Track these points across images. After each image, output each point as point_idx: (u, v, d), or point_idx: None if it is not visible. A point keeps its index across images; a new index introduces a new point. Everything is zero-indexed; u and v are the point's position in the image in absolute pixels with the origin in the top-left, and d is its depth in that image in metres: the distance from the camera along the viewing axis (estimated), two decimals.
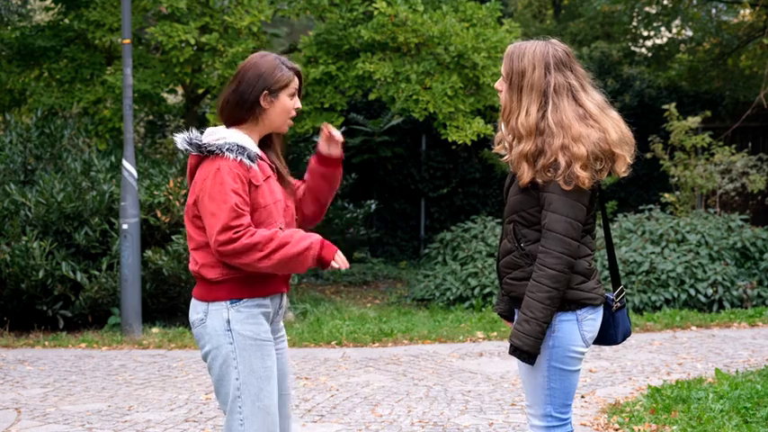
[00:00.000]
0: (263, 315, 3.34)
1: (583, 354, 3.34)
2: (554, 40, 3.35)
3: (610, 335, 3.45)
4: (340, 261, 3.25)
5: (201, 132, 3.36)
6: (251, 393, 3.28)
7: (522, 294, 3.31)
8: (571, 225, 3.19)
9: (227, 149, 3.23)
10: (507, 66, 3.32)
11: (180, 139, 3.31)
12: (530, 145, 3.23)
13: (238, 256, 3.18)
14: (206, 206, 3.22)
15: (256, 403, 3.28)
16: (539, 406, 3.35)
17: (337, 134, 3.50)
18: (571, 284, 3.26)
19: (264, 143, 3.44)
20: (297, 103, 3.40)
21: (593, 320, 3.33)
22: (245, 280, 3.29)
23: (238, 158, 3.22)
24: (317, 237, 3.24)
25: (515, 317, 3.37)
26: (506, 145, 3.36)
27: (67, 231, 8.99)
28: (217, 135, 3.30)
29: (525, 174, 3.23)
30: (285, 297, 3.48)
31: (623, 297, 3.46)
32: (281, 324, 3.55)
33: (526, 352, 3.22)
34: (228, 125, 3.36)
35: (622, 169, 3.27)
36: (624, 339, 3.51)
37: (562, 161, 3.17)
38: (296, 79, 3.40)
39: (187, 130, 3.40)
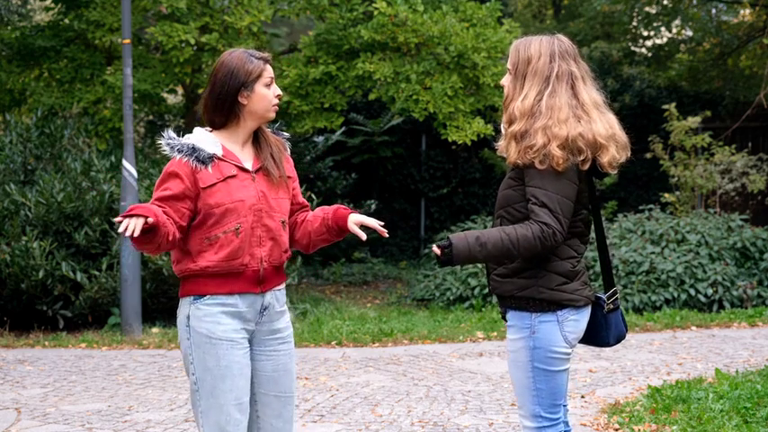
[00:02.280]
0: (227, 314, 3.34)
1: (567, 354, 3.34)
2: (560, 35, 3.40)
3: (601, 337, 3.45)
4: (126, 224, 3.09)
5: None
6: (206, 389, 3.33)
7: (506, 292, 3.31)
8: (557, 219, 3.18)
9: (177, 150, 3.32)
10: (514, 57, 3.36)
11: (164, 137, 3.41)
12: (520, 126, 3.25)
13: None
14: None
15: (210, 399, 3.32)
16: (527, 407, 3.37)
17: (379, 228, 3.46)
18: (551, 285, 3.27)
19: (256, 140, 3.47)
20: (276, 90, 3.43)
21: (575, 321, 3.33)
22: (206, 277, 3.32)
23: (185, 160, 3.30)
24: (135, 205, 3.22)
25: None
26: (503, 133, 3.38)
27: (67, 231, 8.99)
28: (186, 136, 3.39)
29: (512, 153, 3.26)
30: (270, 297, 3.43)
31: (616, 299, 3.45)
32: (280, 325, 3.50)
33: (451, 253, 3.18)
34: (213, 129, 3.43)
35: (606, 160, 3.25)
36: (617, 342, 3.50)
37: (540, 140, 3.19)
38: (267, 68, 3.41)
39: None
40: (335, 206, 3.57)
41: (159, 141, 3.39)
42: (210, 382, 3.31)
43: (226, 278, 3.33)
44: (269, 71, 3.41)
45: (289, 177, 3.52)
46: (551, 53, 3.30)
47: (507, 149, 3.28)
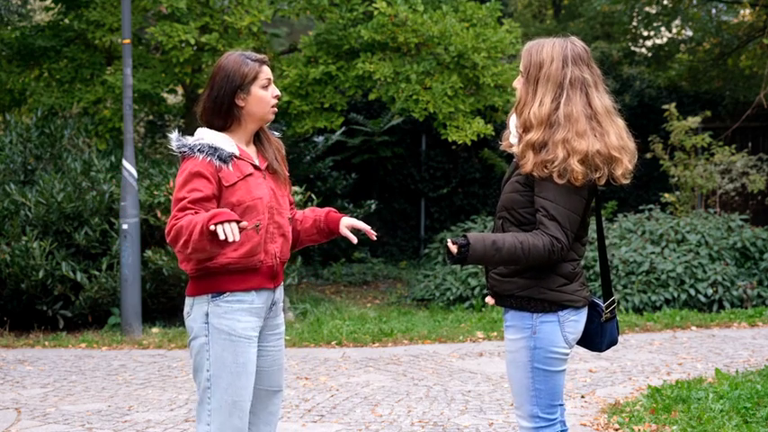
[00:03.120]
0: (245, 311, 3.38)
1: (566, 355, 3.35)
2: (574, 38, 3.36)
3: (595, 343, 3.49)
4: (224, 231, 3.09)
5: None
6: (220, 387, 3.35)
7: (505, 291, 3.32)
8: (564, 233, 3.20)
9: (198, 150, 3.33)
10: (526, 60, 3.33)
11: (173, 138, 3.44)
12: (538, 135, 3.22)
13: (175, 244, 3.22)
14: (173, 205, 3.36)
15: (224, 397, 3.35)
16: (525, 407, 3.37)
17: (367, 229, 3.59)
18: (552, 286, 3.27)
19: (258, 140, 3.52)
20: (274, 91, 3.45)
21: (575, 322, 3.34)
22: (226, 274, 3.35)
23: (208, 159, 3.31)
24: (216, 211, 3.16)
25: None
26: (515, 138, 3.35)
27: (67, 231, 8.99)
28: (197, 136, 3.41)
29: (529, 163, 3.23)
30: (278, 292, 3.53)
31: (614, 309, 3.46)
32: (279, 320, 3.58)
33: (466, 252, 3.17)
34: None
35: (620, 173, 3.26)
36: (609, 348, 3.53)
37: (560, 154, 3.17)
38: (264, 69, 3.43)
39: (187, 129, 3.46)
40: (327, 209, 3.67)
41: (172, 142, 3.41)
42: (227, 378, 3.35)
43: (244, 274, 3.37)
44: (265, 73, 3.43)
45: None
46: (564, 58, 3.27)
47: (523, 157, 3.25)
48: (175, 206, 3.28)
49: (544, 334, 3.29)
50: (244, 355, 3.37)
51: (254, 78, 3.39)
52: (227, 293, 3.36)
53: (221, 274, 3.36)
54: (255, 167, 3.43)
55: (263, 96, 3.41)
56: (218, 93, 3.39)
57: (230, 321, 3.35)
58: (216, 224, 3.09)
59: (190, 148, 3.34)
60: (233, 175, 3.34)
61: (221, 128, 3.42)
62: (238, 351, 3.36)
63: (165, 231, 3.27)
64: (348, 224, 3.60)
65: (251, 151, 3.48)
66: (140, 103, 10.60)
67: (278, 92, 3.46)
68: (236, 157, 3.37)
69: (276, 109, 3.48)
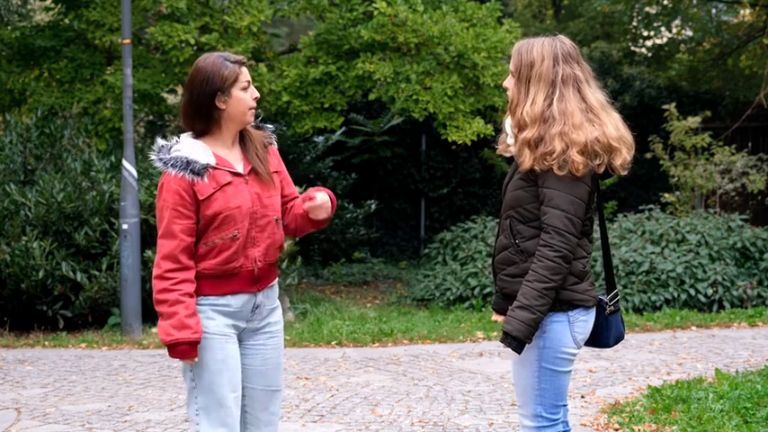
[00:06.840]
0: (217, 312, 3.39)
1: (574, 355, 3.35)
2: (561, 36, 3.38)
3: (603, 338, 3.47)
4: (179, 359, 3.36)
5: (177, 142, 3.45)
6: (203, 385, 3.38)
7: (515, 291, 3.32)
8: (570, 221, 3.20)
9: (170, 165, 3.32)
10: (516, 60, 3.34)
11: (154, 150, 3.42)
12: (533, 132, 3.24)
13: (157, 299, 3.34)
14: (157, 223, 3.40)
15: (209, 395, 3.38)
16: (529, 406, 3.37)
17: (320, 200, 3.49)
18: (564, 285, 3.27)
19: (242, 142, 3.48)
20: (254, 93, 3.42)
21: (584, 322, 3.34)
22: (201, 279, 3.36)
23: (180, 174, 3.29)
24: (187, 335, 3.28)
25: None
26: (512, 139, 3.36)
27: (67, 231, 8.99)
28: (176, 146, 3.38)
29: (527, 160, 3.24)
30: (263, 295, 3.49)
31: (617, 301, 3.46)
32: (273, 320, 3.55)
33: (516, 338, 3.21)
34: (195, 136, 3.43)
35: (619, 163, 3.27)
36: (616, 343, 3.52)
37: (558, 146, 3.18)
38: (243, 71, 3.40)
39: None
40: (305, 195, 3.54)
41: (152, 155, 3.39)
42: (208, 377, 3.37)
43: (220, 280, 3.38)
44: (245, 75, 3.40)
45: (276, 172, 3.53)
46: (554, 56, 3.29)
47: (520, 156, 3.26)
48: (168, 250, 3.30)
49: (554, 334, 3.29)
50: (221, 352, 3.37)
51: (235, 81, 3.36)
52: (202, 297, 3.37)
53: (198, 279, 3.36)
54: (235, 174, 3.39)
55: (243, 98, 3.37)
56: (197, 96, 3.35)
57: (202, 320, 3.35)
58: (175, 356, 3.33)
59: (164, 163, 3.33)
60: (208, 187, 3.32)
61: (203, 132, 3.39)
62: (215, 348, 3.37)
63: (153, 274, 3.35)
64: (307, 202, 3.49)
65: (235, 153, 3.44)
66: (140, 103, 10.60)
67: (257, 94, 3.43)
68: (211, 167, 3.34)
69: (254, 111, 3.43)
